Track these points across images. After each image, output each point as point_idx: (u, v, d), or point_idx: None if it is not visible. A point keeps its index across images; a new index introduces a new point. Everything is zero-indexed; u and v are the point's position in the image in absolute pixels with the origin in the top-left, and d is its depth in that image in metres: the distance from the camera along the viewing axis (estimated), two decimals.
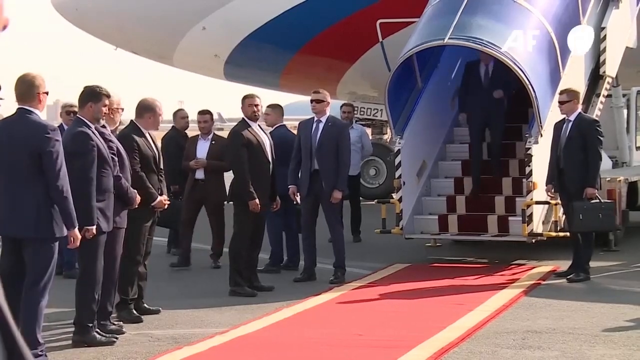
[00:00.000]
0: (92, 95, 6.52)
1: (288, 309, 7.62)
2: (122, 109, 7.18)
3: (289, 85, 17.41)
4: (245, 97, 8.72)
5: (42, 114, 6.07)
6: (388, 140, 17.07)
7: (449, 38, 9.82)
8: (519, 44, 10.08)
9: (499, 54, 9.80)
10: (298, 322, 7.14)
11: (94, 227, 6.29)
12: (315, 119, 9.18)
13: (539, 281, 8.79)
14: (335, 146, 9.01)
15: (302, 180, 9.07)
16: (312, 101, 9.22)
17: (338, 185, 9.03)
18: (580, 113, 9.22)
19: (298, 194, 9.18)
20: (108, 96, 6.62)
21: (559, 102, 9.17)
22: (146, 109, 7.40)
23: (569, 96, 9.11)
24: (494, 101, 10.80)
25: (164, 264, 10.07)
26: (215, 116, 12.37)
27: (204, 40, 15.94)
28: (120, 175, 6.71)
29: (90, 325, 6.44)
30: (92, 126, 6.47)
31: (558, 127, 9.20)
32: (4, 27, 0.90)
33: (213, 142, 10.14)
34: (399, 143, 10.29)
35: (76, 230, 5.90)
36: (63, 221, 5.84)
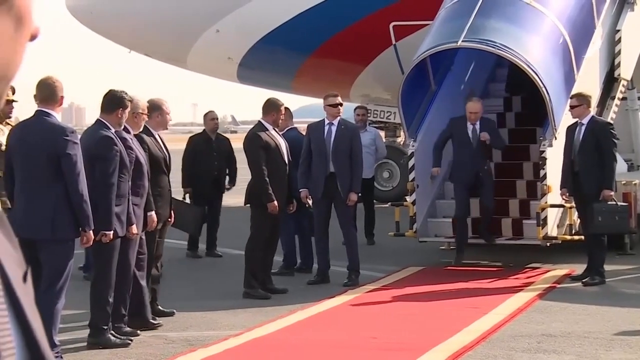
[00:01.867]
0: (121, 102, 6.50)
1: (302, 311, 7.62)
2: (148, 115, 7.14)
3: (301, 88, 17.42)
4: (279, 105, 8.66)
5: (58, 116, 6.11)
6: (402, 142, 17.04)
7: (463, 40, 9.80)
8: (532, 47, 10.05)
9: (512, 56, 9.77)
10: (312, 325, 7.13)
11: (111, 232, 6.30)
12: (327, 121, 9.20)
13: (553, 284, 8.76)
14: (349, 148, 9.06)
15: (315, 183, 9.05)
16: (332, 105, 9.23)
17: (353, 187, 9.06)
18: (593, 116, 9.19)
19: (310, 197, 9.16)
20: (132, 102, 6.63)
21: (570, 106, 9.18)
22: (154, 108, 7.37)
23: (579, 100, 9.08)
24: (483, 160, 10.01)
25: (178, 266, 10.09)
26: (228, 118, 12.51)
27: (218, 43, 15.97)
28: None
29: (105, 327, 6.46)
30: (113, 130, 6.48)
31: (571, 130, 9.15)
32: (34, 38, 0.91)
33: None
34: (413, 146, 10.28)
35: (91, 232, 5.93)
36: (80, 223, 5.85)
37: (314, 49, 15.62)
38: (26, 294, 0.89)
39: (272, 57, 15.87)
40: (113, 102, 6.51)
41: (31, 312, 0.88)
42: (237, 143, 10.64)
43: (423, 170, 10.37)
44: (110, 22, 16.91)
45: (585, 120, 9.02)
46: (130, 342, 6.52)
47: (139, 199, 6.71)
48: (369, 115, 14.54)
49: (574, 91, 9.68)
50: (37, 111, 6.02)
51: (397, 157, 16.56)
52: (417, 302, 8.01)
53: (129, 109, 6.56)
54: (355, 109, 12.48)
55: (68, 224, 5.84)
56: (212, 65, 17.15)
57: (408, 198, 10.47)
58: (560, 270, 9.55)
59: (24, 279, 0.90)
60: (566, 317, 7.20)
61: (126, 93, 6.60)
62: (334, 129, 9.14)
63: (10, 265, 0.88)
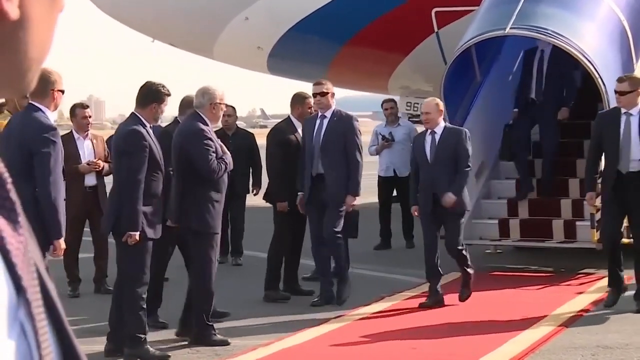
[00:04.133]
0: (156, 96, 6.53)
1: (336, 320, 7.61)
2: (226, 105, 7.14)
3: (337, 79, 17.33)
4: (303, 97, 8.71)
5: (53, 114, 5.99)
6: None
7: (511, 28, 9.73)
8: (587, 34, 9.95)
9: (566, 44, 9.68)
10: (346, 335, 7.12)
11: (138, 233, 6.30)
12: (320, 114, 8.48)
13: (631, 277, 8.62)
14: (342, 143, 8.29)
15: (305, 186, 8.37)
16: (314, 95, 8.47)
17: (351, 189, 8.25)
18: None
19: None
20: (169, 96, 6.66)
21: (619, 92, 8.01)
22: (190, 106, 7.40)
23: (632, 85, 8.01)
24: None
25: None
26: (257, 112, 12.36)
27: (247, 31, 16.01)
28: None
29: (143, 337, 6.41)
30: (148, 126, 6.51)
31: (611, 121, 8.04)
32: (60, 10, 0.92)
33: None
34: None
35: (61, 240, 5.80)
36: (47, 229, 5.67)
37: (350, 38, 15.60)
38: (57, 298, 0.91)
39: (304, 47, 15.88)
40: (148, 95, 6.52)
41: (65, 318, 0.90)
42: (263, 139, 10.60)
43: None
44: (133, 10, 17.04)
45: (635, 111, 7.99)
46: (168, 356, 6.51)
47: (220, 195, 6.81)
48: (408, 108, 14.51)
49: None
50: (28, 104, 6.04)
51: None
52: (460, 310, 7.98)
53: (165, 103, 6.59)
54: (382, 103, 12.45)
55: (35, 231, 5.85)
56: (241, 56, 17.20)
57: None
58: None
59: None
60: (623, 327, 7.12)
61: (163, 86, 6.60)
62: (325, 122, 8.38)
63: (43, 271, 0.90)
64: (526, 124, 10.84)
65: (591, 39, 9.91)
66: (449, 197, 8.05)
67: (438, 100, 8.48)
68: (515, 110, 10.80)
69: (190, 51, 18.16)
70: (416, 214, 8.37)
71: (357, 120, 8.58)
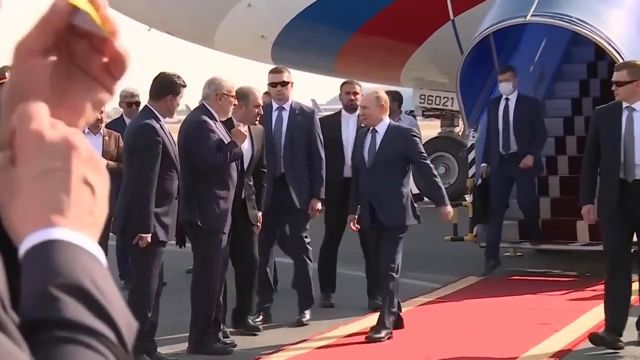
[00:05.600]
0: (172, 88, 6.46)
1: (343, 327, 7.60)
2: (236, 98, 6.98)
3: (345, 70, 17.35)
4: (342, 84, 8.78)
5: None
6: (460, 133, 16.94)
7: (532, 15, 9.70)
8: (614, 21, 9.90)
9: (590, 32, 9.64)
10: (356, 344, 7.10)
11: (149, 235, 6.25)
12: (275, 106, 8.01)
13: (638, 298, 8.62)
14: (307, 141, 7.89)
15: (267, 187, 7.71)
16: (274, 84, 8.01)
17: (315, 193, 7.86)
18: None
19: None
20: (185, 87, 6.61)
21: (615, 82, 6.99)
22: (237, 97, 7.17)
23: (632, 74, 6.93)
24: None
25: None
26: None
27: (249, 19, 15.99)
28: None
29: (150, 346, 6.43)
30: (162, 120, 6.46)
31: (607, 116, 7.03)
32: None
33: None
34: (473, 137, 10.22)
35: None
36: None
37: (359, 26, 15.57)
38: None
39: (311, 35, 15.85)
40: (162, 87, 6.46)
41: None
42: None
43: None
44: None
45: (639, 106, 6.96)
46: None
47: (226, 192, 6.77)
48: (422, 102, 14.46)
49: None
50: None
51: (455, 150, 16.45)
52: (477, 317, 7.95)
53: (180, 95, 6.55)
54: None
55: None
56: (243, 45, 17.18)
57: (467, 197, 10.39)
58: None
59: None
60: None
61: (179, 77, 6.55)
62: (285, 115, 7.97)
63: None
64: (503, 182, 9.86)
65: (618, 27, 9.86)
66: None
67: (381, 92, 7.62)
68: (484, 165, 10.05)
69: (189, 40, 18.14)
70: (353, 227, 7.57)
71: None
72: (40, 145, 0.98)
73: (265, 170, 7.54)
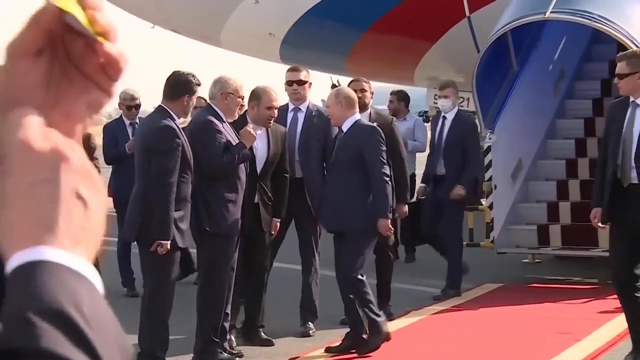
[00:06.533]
0: (188, 88, 6.46)
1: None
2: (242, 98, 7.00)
3: (357, 69, 17.36)
4: (349, 82, 8.59)
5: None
6: None
7: (551, 12, 9.70)
8: (637, 18, 9.88)
9: (613, 30, 9.63)
10: (365, 355, 7.09)
11: (169, 242, 6.23)
12: (291, 107, 8.00)
13: None
14: (322, 144, 7.77)
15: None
16: (292, 82, 7.99)
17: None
18: None
19: None
20: (200, 86, 6.61)
21: (617, 74, 6.78)
22: (250, 97, 7.22)
23: (632, 65, 6.61)
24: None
25: None
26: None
27: (257, 16, 16.01)
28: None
29: (161, 355, 6.42)
30: (177, 120, 6.48)
31: (616, 111, 6.79)
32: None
33: None
34: (490, 138, 10.21)
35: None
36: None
37: (372, 23, 15.58)
38: None
39: (321, 33, 15.87)
40: (178, 87, 6.45)
41: None
42: None
43: (502, 168, 10.29)
44: None
45: None
46: None
47: (235, 195, 6.73)
48: (436, 102, 14.38)
49: None
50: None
51: None
52: (494, 327, 7.95)
53: (195, 95, 6.56)
54: (391, 94, 12.33)
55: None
56: (250, 43, 17.21)
57: (484, 201, 10.38)
58: None
59: None
60: None
61: (194, 76, 6.56)
62: (300, 116, 7.93)
63: None
64: (434, 206, 9.40)
65: None
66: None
67: (342, 89, 7.53)
68: (423, 185, 9.82)
69: (195, 38, 18.18)
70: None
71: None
72: (28, 156, 0.94)
73: (288, 175, 7.45)
